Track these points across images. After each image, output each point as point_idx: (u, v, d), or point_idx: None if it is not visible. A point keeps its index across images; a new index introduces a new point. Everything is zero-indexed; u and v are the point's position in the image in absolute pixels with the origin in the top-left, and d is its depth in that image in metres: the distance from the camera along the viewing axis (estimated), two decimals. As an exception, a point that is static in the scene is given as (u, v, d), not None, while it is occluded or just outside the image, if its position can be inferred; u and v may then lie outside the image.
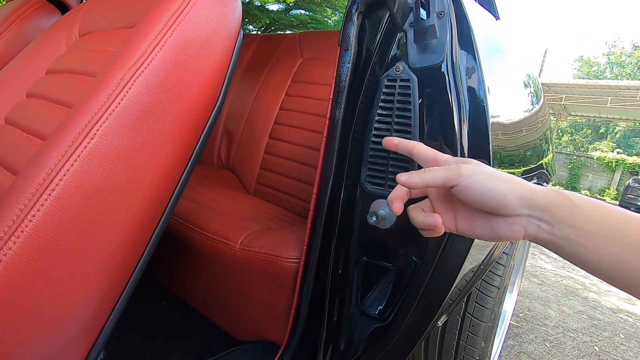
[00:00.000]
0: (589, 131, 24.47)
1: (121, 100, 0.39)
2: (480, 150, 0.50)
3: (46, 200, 0.34)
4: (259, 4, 2.36)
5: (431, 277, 0.53)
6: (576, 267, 3.03)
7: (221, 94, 0.55)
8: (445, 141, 0.49)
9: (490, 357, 0.96)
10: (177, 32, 0.45)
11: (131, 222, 0.43)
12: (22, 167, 0.40)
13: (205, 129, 0.54)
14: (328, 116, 0.59)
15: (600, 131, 23.71)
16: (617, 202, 9.46)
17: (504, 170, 0.60)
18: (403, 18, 0.50)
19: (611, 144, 21.56)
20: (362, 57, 0.57)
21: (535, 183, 0.85)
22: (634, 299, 2.38)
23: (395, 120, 0.51)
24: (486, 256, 0.67)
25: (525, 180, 0.33)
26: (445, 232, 0.38)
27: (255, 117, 1.24)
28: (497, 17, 0.74)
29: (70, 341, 0.41)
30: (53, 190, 0.35)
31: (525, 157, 0.77)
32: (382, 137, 0.53)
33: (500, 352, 1.25)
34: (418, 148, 0.40)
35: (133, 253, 0.46)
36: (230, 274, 0.74)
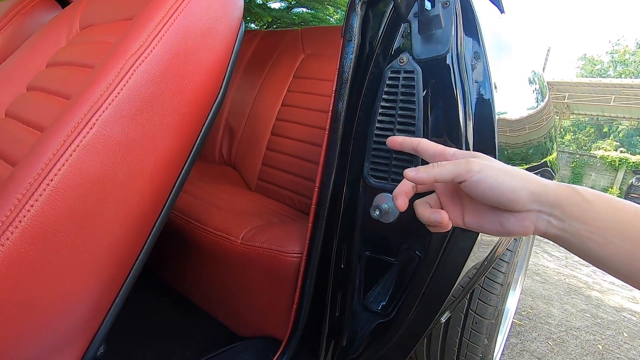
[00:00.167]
0: (592, 130, 24.37)
1: (121, 90, 0.39)
2: (485, 146, 0.49)
3: (45, 190, 0.34)
4: (261, 1, 2.34)
5: (434, 273, 0.52)
6: (579, 266, 3.01)
7: (223, 86, 0.54)
8: (449, 136, 0.48)
9: (493, 355, 0.95)
10: (178, 22, 0.44)
11: (131, 214, 0.42)
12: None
13: (207, 121, 0.53)
14: (330, 109, 0.58)
15: (604, 130, 23.59)
16: (620, 202, 9.37)
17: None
18: (407, 8, 0.49)
19: (614, 142, 21.48)
20: (365, 48, 0.56)
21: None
22: (638, 297, 2.36)
23: (399, 112, 0.51)
24: (490, 253, 0.66)
25: (535, 175, 0.32)
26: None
27: (257, 114, 1.23)
28: (502, 11, 0.73)
29: (69, 334, 0.41)
30: (52, 180, 0.34)
31: (529, 154, 0.76)
32: (385, 130, 0.52)
33: (503, 350, 1.24)
34: (423, 144, 0.39)
35: (133, 246, 0.46)
36: (231, 269, 0.74)
